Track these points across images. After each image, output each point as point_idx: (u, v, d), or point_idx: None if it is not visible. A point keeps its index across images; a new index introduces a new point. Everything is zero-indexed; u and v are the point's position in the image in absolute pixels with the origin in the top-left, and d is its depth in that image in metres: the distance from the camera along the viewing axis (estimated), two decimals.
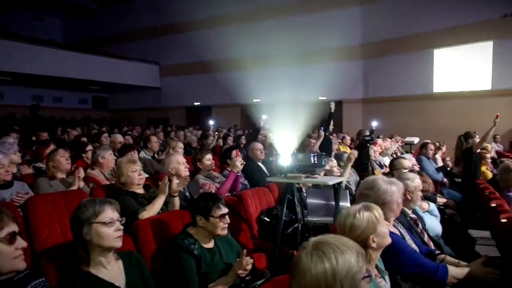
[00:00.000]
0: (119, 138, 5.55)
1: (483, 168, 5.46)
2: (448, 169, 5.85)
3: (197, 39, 14.88)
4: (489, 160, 5.65)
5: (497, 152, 9.26)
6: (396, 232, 2.38)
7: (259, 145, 4.79)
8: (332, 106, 6.26)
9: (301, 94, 11.59)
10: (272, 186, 4.01)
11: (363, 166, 5.08)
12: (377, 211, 1.89)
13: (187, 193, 3.46)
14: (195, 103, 16.95)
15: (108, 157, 3.72)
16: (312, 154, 3.03)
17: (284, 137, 3.06)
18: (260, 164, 4.69)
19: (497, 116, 5.05)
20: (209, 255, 2.20)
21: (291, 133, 3.14)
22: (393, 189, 2.32)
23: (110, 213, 1.75)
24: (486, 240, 4.63)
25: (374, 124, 6.31)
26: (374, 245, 1.82)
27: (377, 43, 13.31)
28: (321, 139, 5.90)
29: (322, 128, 6.04)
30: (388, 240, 1.90)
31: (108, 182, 3.56)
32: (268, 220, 3.46)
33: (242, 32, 13.58)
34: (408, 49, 12.58)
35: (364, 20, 13.73)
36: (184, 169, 3.31)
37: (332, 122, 6.49)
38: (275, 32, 13.61)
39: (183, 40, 15.73)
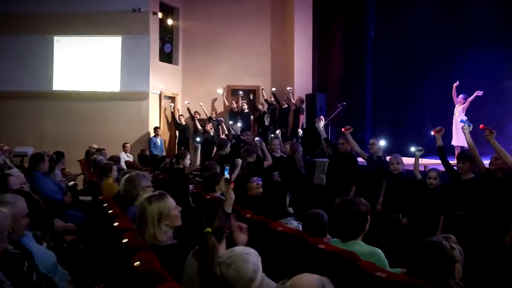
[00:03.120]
0: None
1: (109, 181, 5.96)
2: (70, 184, 6.03)
3: None
4: (116, 172, 6.23)
5: (126, 162, 10.46)
6: None
7: None
8: None
9: None
10: None
11: None
12: None
13: None
14: None
15: None
16: None
17: None
18: None
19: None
20: None
21: None
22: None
23: None
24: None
25: None
26: None
27: None
28: None
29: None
30: None
31: None
32: None
33: None
34: (20, 30, 12.23)
35: None
36: None
37: None
38: None
39: None
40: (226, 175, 3.63)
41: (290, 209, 4.28)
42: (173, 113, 13.23)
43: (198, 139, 7.31)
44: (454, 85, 9.63)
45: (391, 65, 12.79)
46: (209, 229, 2.63)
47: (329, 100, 12.60)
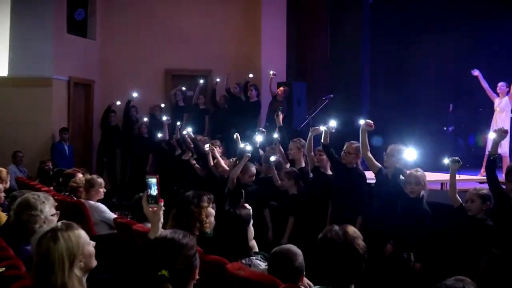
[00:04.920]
0: None
1: None
2: None
3: None
4: (2, 194, 6.16)
5: (18, 180, 10.26)
6: None
7: None
8: None
9: None
10: None
11: None
12: None
13: None
14: None
15: None
16: None
17: None
18: None
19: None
20: None
21: None
22: None
23: None
24: None
25: None
26: None
27: None
28: None
29: None
30: None
31: None
32: None
33: None
34: None
35: None
36: None
37: None
38: None
39: None
40: (153, 190, 3.59)
41: (253, 243, 4.27)
42: (110, 109, 13.14)
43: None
44: (475, 74, 9.81)
45: (396, 42, 13.01)
46: (164, 272, 2.64)
47: (311, 91, 12.73)
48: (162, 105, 13.30)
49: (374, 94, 13.27)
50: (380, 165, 6.44)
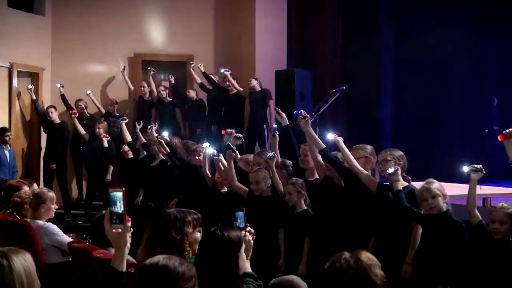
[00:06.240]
0: None
1: None
2: None
3: None
4: None
5: None
6: None
7: None
8: None
9: None
10: None
11: None
12: None
13: None
14: None
15: None
16: None
17: None
18: None
19: None
20: None
21: None
22: None
23: None
24: None
25: None
26: None
27: None
28: None
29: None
30: None
31: None
32: None
33: None
34: None
35: None
36: None
37: None
38: None
39: None
40: (118, 207, 3.52)
41: (247, 265, 4.25)
42: (35, 103, 13.02)
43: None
44: None
45: (425, 22, 13.04)
46: None
47: (317, 82, 12.74)
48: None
49: (397, 86, 13.30)
50: (377, 180, 6.48)
